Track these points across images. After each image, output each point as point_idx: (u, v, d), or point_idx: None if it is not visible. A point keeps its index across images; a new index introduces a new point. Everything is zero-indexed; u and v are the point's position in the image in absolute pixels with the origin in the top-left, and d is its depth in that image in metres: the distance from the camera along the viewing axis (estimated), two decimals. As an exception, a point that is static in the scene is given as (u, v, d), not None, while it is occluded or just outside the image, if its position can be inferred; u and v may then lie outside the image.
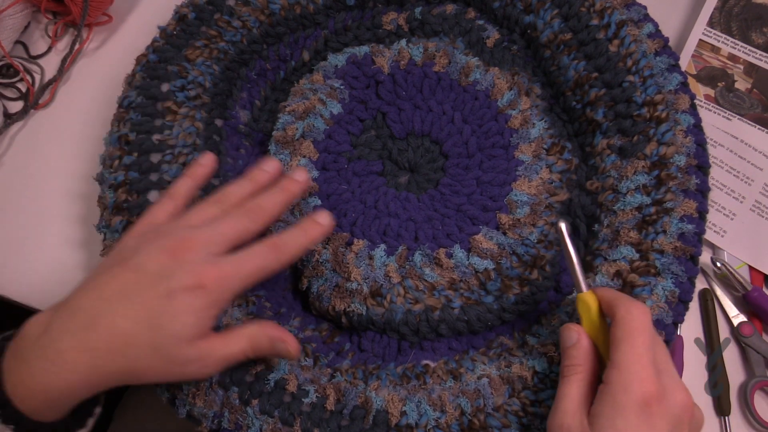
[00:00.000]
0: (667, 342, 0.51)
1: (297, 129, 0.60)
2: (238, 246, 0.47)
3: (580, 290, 0.48)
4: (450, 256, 0.55)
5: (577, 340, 0.46)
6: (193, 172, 0.52)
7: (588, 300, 0.47)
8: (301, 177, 0.52)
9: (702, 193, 0.56)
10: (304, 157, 0.60)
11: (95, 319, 0.44)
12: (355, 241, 0.56)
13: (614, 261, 0.54)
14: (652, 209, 0.54)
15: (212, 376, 0.48)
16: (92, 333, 0.44)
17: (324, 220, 0.51)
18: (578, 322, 0.48)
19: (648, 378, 0.42)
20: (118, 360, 0.44)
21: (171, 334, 0.44)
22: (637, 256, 0.53)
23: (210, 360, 0.46)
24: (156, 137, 0.59)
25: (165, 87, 0.61)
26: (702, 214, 0.55)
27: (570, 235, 0.48)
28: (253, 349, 0.47)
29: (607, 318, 0.47)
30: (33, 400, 0.44)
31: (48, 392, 0.44)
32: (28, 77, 0.73)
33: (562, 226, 0.49)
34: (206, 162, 0.53)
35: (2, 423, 0.44)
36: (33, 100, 0.71)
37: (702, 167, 0.56)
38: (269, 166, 0.53)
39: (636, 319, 0.43)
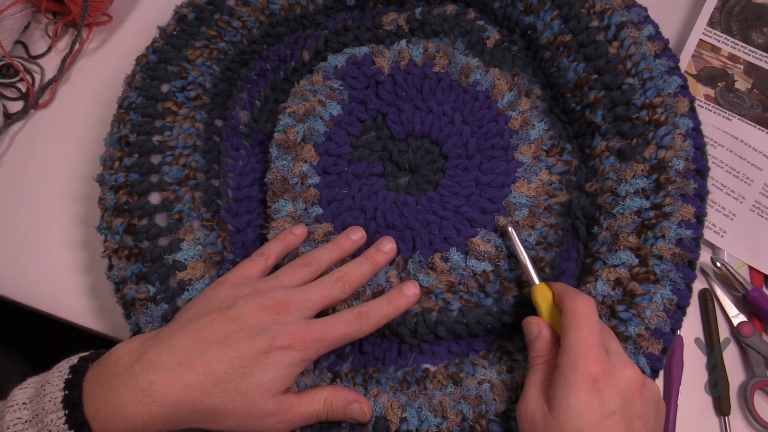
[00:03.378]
0: (665, 349, 0.52)
1: (298, 132, 0.60)
2: None
3: (533, 283, 0.52)
4: (445, 260, 0.55)
5: (539, 332, 0.49)
6: (286, 239, 0.56)
7: (542, 291, 0.51)
8: (387, 247, 0.56)
9: (700, 197, 0.56)
10: (306, 162, 0.60)
11: (193, 358, 0.47)
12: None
13: (614, 266, 0.54)
14: (651, 213, 0.55)
15: None
16: (188, 370, 0.46)
17: (411, 291, 0.54)
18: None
19: (594, 357, 0.45)
20: (206, 400, 0.46)
21: (260, 383, 0.47)
22: (636, 261, 0.54)
23: (286, 416, 0.49)
24: (156, 138, 0.59)
25: (165, 87, 0.61)
26: (700, 218, 0.55)
27: (518, 236, 0.54)
28: (327, 410, 0.50)
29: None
30: (113, 427, 0.45)
31: (130, 421, 0.45)
32: (28, 77, 0.73)
33: (511, 229, 0.55)
34: (299, 232, 0.57)
35: None
36: (33, 100, 0.71)
37: (700, 171, 0.56)
38: (356, 235, 0.56)
39: (580, 308, 0.47)
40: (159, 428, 0.46)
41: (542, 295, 0.51)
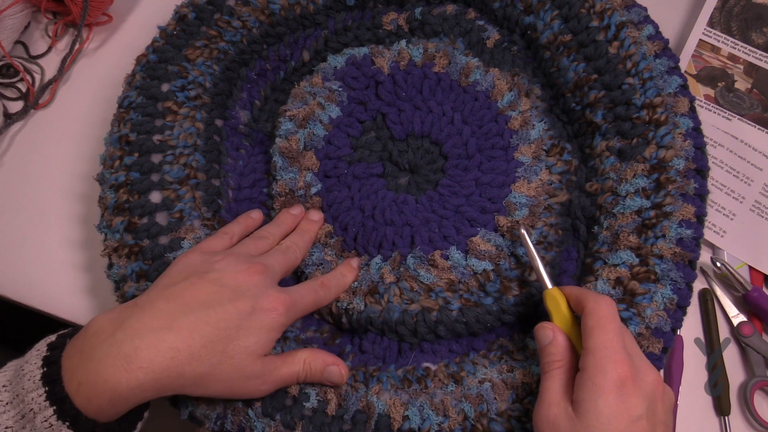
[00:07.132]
0: (665, 349, 0.52)
1: (299, 140, 0.61)
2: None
3: (546, 287, 0.51)
4: (446, 257, 0.55)
5: (553, 337, 0.48)
6: (245, 222, 0.58)
7: (556, 295, 0.50)
8: (315, 217, 0.59)
9: (700, 197, 0.56)
10: (308, 170, 0.60)
11: (177, 321, 0.46)
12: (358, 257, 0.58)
13: (614, 266, 0.54)
14: (652, 213, 0.55)
15: (267, 394, 0.51)
16: (174, 332, 0.46)
17: (357, 264, 0.57)
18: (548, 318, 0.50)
19: (621, 360, 0.44)
20: (194, 363, 0.46)
21: (245, 346, 0.48)
22: (637, 261, 0.54)
23: (269, 378, 0.49)
24: (157, 137, 0.59)
25: (165, 87, 0.61)
26: (700, 218, 0.55)
27: (531, 239, 0.53)
28: (306, 372, 0.51)
29: (575, 313, 0.50)
30: (98, 399, 0.44)
31: (116, 391, 0.44)
32: (28, 77, 0.73)
33: (524, 231, 0.54)
34: (256, 216, 0.59)
35: (58, 419, 0.43)
36: (33, 100, 0.71)
37: (701, 171, 0.56)
38: (295, 210, 0.60)
39: (604, 309, 0.47)
40: (145, 396, 0.45)
41: (555, 299, 0.50)
